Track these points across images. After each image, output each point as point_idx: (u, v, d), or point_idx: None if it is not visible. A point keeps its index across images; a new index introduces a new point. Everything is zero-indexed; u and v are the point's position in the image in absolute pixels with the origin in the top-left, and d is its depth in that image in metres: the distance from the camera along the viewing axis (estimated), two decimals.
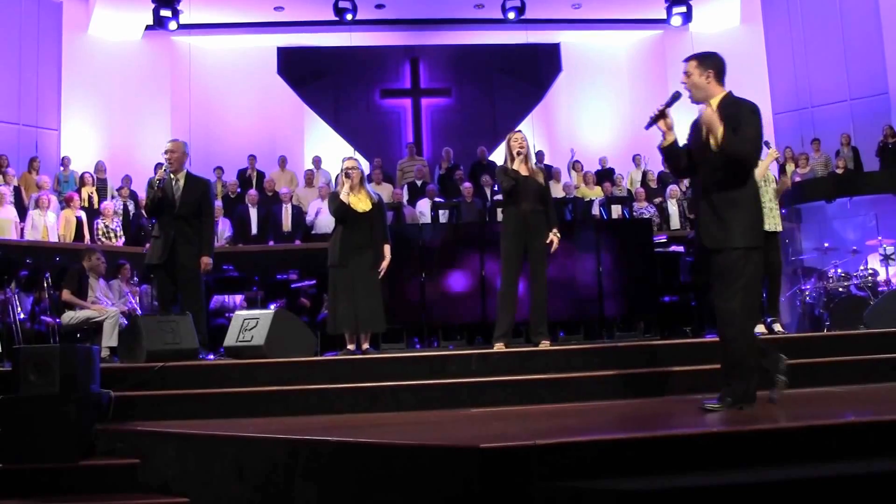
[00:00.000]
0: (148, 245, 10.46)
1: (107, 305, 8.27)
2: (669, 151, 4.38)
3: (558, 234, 6.52)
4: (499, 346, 6.20)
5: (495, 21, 14.97)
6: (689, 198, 4.45)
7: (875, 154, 12.94)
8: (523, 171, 6.48)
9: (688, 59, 4.35)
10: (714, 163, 4.17)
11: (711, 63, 4.30)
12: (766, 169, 6.58)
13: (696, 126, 4.34)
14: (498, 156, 14.31)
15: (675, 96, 4.34)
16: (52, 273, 8.83)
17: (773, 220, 6.60)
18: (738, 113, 4.15)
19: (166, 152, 6.96)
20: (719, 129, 4.06)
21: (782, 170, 13.01)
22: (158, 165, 12.93)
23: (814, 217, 12.14)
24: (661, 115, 4.31)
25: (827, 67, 14.42)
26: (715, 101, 4.26)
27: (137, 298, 9.41)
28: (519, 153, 6.48)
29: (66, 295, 8.03)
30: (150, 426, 4.65)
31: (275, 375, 5.51)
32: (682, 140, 4.43)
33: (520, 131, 6.73)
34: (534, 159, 6.63)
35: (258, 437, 4.01)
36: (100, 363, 5.15)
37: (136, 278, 9.64)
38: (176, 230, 6.77)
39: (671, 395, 5.02)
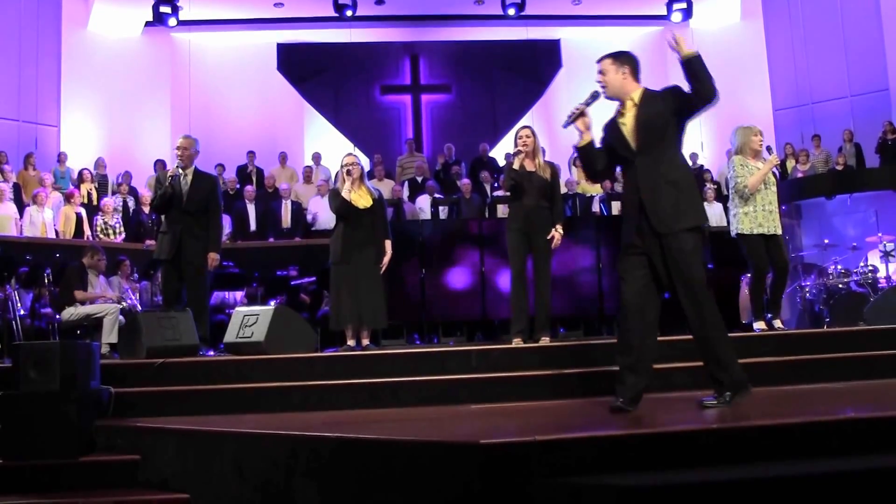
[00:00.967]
0: (148, 241, 10.56)
1: (108, 302, 8.32)
2: (586, 151, 4.37)
3: (560, 231, 6.51)
4: (517, 342, 6.25)
5: (495, 17, 14.98)
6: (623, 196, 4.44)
7: (875, 150, 12.94)
8: (529, 167, 6.49)
9: (602, 59, 4.36)
10: (648, 152, 4.17)
11: (626, 60, 4.32)
12: (764, 175, 6.56)
13: (613, 126, 4.34)
14: (498, 152, 14.34)
15: (594, 95, 4.35)
16: (53, 269, 8.83)
17: (772, 223, 6.59)
18: (666, 97, 4.19)
19: (178, 148, 7.00)
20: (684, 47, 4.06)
21: (783, 167, 13.02)
22: (158, 162, 13.09)
23: (814, 213, 12.14)
24: (581, 114, 4.31)
25: (827, 64, 14.41)
26: (636, 96, 4.27)
27: (137, 295, 9.42)
28: (519, 151, 6.49)
29: (81, 295, 8.01)
30: (150, 423, 4.65)
31: (275, 372, 5.51)
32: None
33: (527, 127, 6.70)
34: (541, 155, 6.62)
35: (258, 433, 4.01)
36: (100, 359, 5.15)
37: (135, 275, 9.65)
38: (183, 226, 6.80)
39: (671, 392, 5.02)
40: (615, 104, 4.38)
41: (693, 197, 4.24)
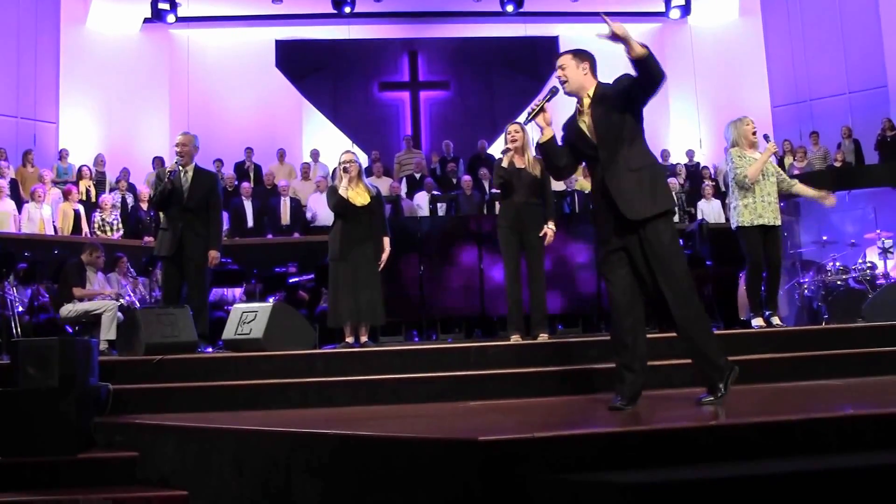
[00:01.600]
0: (147, 238, 10.55)
1: (106, 299, 8.34)
2: (548, 147, 4.37)
3: (553, 228, 6.51)
4: (515, 338, 6.25)
5: (493, 14, 14.98)
6: (592, 192, 4.45)
7: (874, 147, 12.94)
8: (519, 164, 6.49)
9: (562, 55, 4.40)
10: (610, 145, 4.17)
11: (586, 57, 4.37)
12: (763, 164, 6.57)
13: (573, 125, 4.36)
14: (497, 149, 14.33)
15: (553, 91, 4.38)
16: (51, 266, 8.82)
17: (771, 214, 6.60)
18: (618, 88, 4.22)
19: (178, 145, 7.00)
20: (630, 38, 4.03)
21: (780, 163, 13.02)
22: (157, 159, 13.08)
23: (812, 210, 12.11)
24: (540, 110, 4.33)
25: (826, 60, 14.41)
26: (591, 91, 4.30)
27: (136, 291, 9.39)
28: (508, 149, 6.49)
29: (79, 292, 8.02)
30: (148, 419, 4.65)
31: (273, 369, 5.51)
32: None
33: (517, 123, 6.67)
34: (532, 151, 6.60)
35: (257, 430, 4.01)
36: (98, 356, 5.14)
37: (132, 271, 9.63)
38: (184, 223, 6.81)
39: (669, 389, 5.03)
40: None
41: (659, 182, 4.23)
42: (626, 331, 4.17)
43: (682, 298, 4.07)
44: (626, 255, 4.18)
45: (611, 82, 4.29)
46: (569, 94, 4.37)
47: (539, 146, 4.40)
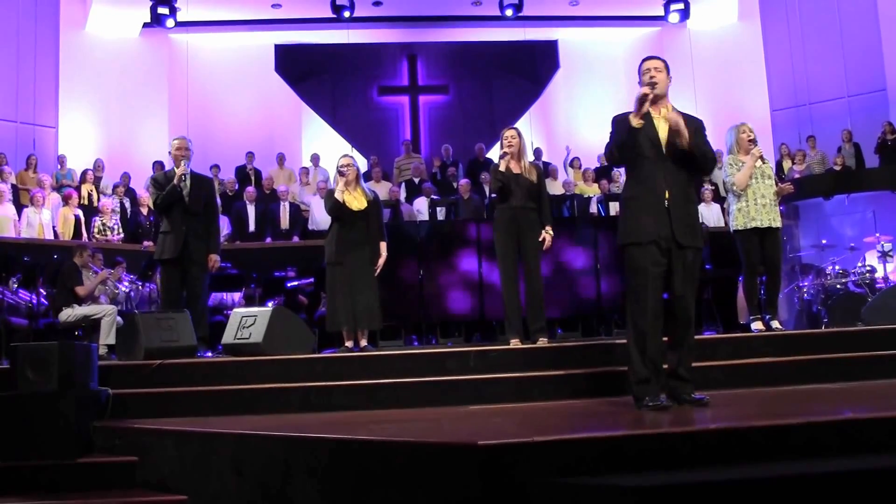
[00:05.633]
0: (146, 242, 10.54)
1: (101, 300, 8.34)
2: (632, 133, 4.31)
3: (551, 233, 6.50)
4: (514, 342, 6.23)
5: (493, 18, 15.00)
6: (630, 195, 4.44)
7: (873, 151, 12.94)
8: (515, 169, 6.48)
9: (656, 58, 4.48)
10: (673, 160, 4.32)
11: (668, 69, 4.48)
12: (750, 169, 6.61)
13: (648, 122, 4.35)
14: (496, 153, 14.31)
15: (652, 86, 4.35)
16: (50, 271, 8.82)
17: (766, 216, 6.63)
18: (695, 128, 4.39)
19: (180, 149, 7.02)
20: (684, 130, 4.27)
21: (779, 167, 13.03)
22: (157, 163, 13.07)
23: (812, 214, 12.13)
24: (648, 99, 4.29)
25: (825, 64, 14.42)
26: (669, 107, 4.41)
27: (134, 288, 9.36)
28: (505, 154, 6.48)
29: (82, 290, 8.05)
30: (148, 424, 4.64)
31: (273, 373, 5.50)
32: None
33: (513, 128, 6.68)
34: (530, 156, 6.58)
35: (256, 434, 4.01)
36: (98, 361, 5.14)
37: (131, 276, 9.62)
38: (187, 226, 6.85)
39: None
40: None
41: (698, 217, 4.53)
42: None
43: (691, 313, 4.38)
44: (667, 264, 4.27)
45: (688, 114, 4.47)
46: (654, 95, 4.37)
47: (629, 129, 4.32)
